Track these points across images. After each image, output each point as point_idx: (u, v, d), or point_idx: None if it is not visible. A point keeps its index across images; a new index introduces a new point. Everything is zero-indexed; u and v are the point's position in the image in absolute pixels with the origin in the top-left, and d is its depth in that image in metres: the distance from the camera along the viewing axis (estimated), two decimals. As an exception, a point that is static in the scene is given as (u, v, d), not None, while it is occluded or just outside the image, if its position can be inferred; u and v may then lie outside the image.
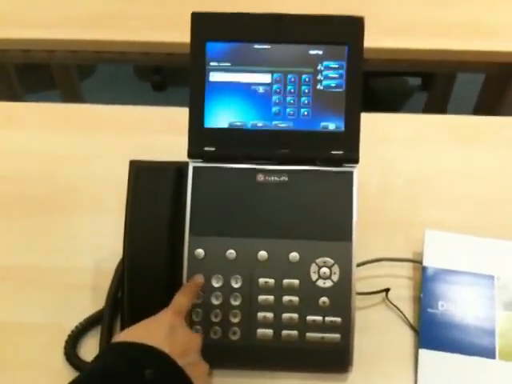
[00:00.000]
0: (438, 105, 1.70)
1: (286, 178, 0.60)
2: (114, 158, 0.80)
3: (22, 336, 0.65)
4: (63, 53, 1.11)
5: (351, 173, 0.60)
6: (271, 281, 0.59)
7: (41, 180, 0.80)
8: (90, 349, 0.63)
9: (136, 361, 0.48)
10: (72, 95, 1.69)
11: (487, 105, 1.47)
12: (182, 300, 0.56)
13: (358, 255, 0.60)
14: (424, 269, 0.67)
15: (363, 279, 0.67)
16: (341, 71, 0.60)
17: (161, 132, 0.84)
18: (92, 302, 0.67)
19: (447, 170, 0.80)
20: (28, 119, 0.89)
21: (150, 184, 0.60)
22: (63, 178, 0.80)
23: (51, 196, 0.78)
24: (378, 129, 0.82)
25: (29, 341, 0.65)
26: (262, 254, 0.60)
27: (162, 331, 0.51)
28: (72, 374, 0.61)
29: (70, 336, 0.64)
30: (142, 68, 2.13)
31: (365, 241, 0.62)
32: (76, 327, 0.64)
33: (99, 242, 0.72)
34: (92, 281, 0.69)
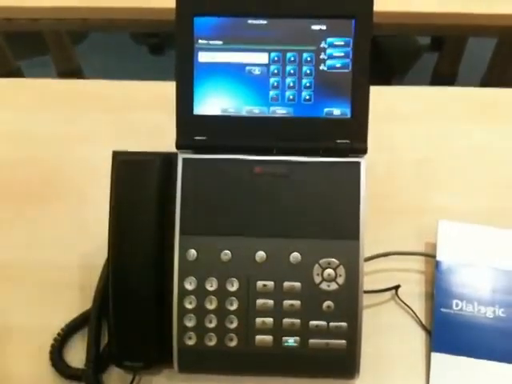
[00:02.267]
0: (448, 67, 1.62)
1: (286, 171, 0.54)
2: (103, 140, 0.74)
3: (4, 338, 0.61)
4: (48, 20, 1.04)
5: (358, 163, 0.54)
6: (270, 284, 0.54)
7: (20, 165, 0.74)
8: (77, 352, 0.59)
9: None
10: (65, 60, 1.62)
11: (499, 69, 1.42)
12: None
13: (363, 248, 0.55)
14: (437, 263, 0.62)
15: (370, 275, 0.62)
16: (347, 49, 0.53)
17: (154, 110, 0.77)
18: (80, 299, 0.62)
19: (463, 150, 0.73)
20: (4, 96, 0.82)
21: (134, 179, 0.54)
22: (44, 162, 0.74)
23: (31, 183, 0.72)
24: (384, 103, 0.74)
25: (12, 344, 0.60)
26: (260, 254, 0.54)
27: None
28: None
29: (55, 339, 0.60)
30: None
31: (371, 231, 0.56)
32: (62, 330, 0.60)
33: (86, 235, 0.67)
34: (79, 278, 0.64)
